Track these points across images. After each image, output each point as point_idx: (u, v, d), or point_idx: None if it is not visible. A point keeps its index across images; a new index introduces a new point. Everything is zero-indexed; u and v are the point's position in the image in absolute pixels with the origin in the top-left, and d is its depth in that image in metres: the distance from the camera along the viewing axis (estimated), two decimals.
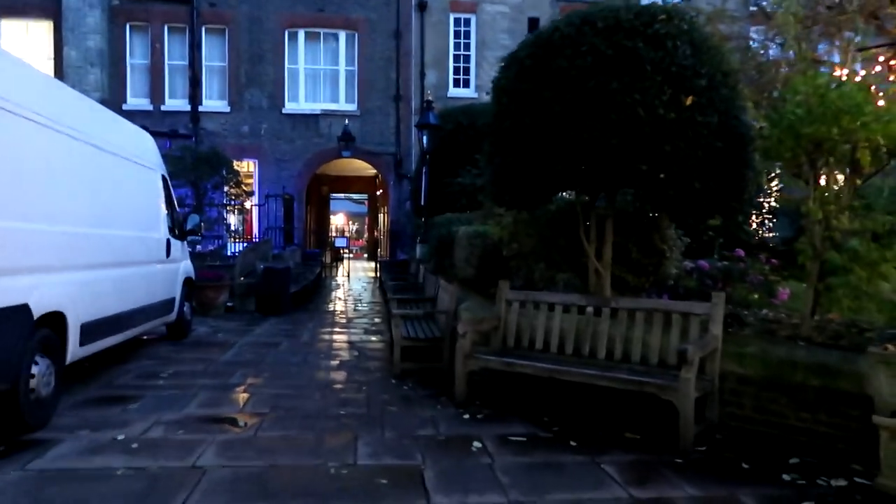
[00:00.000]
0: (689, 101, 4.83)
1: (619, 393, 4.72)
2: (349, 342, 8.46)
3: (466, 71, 19.59)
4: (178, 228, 8.19)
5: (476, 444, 4.29)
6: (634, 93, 4.75)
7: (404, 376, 6.30)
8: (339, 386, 5.99)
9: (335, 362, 7.11)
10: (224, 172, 13.95)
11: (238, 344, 8.09)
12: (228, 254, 15.35)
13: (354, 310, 12.21)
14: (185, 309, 8.34)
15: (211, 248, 14.79)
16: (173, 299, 7.83)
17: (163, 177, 7.82)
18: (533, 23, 19.28)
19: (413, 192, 15.14)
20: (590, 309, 5.20)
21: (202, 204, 14.11)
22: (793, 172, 5.21)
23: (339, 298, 14.27)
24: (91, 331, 5.27)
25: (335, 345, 8.28)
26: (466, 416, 4.96)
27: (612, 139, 4.78)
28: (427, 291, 9.04)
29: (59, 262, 4.83)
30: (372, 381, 6.22)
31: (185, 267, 8.42)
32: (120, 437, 4.30)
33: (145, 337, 8.10)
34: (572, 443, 4.34)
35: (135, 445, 4.15)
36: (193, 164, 13.74)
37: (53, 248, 4.77)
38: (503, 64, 5.68)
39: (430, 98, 12.62)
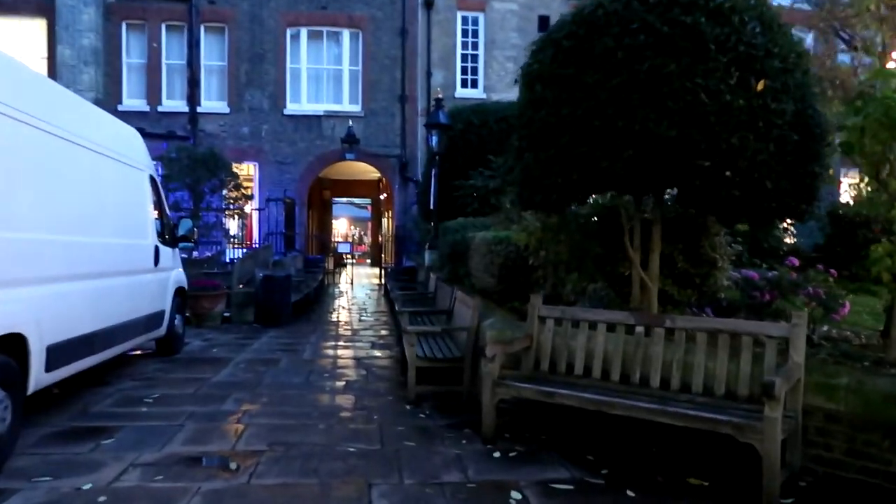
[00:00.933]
0: (760, 85, 4.13)
1: (677, 428, 3.99)
2: (355, 358, 7.73)
3: (475, 71, 18.91)
4: (168, 234, 7.47)
5: (515, 494, 3.56)
6: (696, 76, 4.04)
7: (420, 401, 5.56)
8: (346, 414, 5.26)
9: (341, 383, 6.38)
10: (223, 175, 13.22)
11: (234, 361, 7.36)
12: (227, 260, 14.65)
13: (359, 320, 11.48)
14: (176, 322, 7.62)
15: (208, 254, 14.09)
16: (162, 312, 7.10)
17: (151, 178, 7.09)
18: (543, 21, 18.62)
19: (421, 195, 14.42)
20: (639, 328, 4.47)
21: (199, 208, 13.40)
22: (874, 171, 4.48)
23: (343, 307, 13.54)
24: (60, 354, 4.54)
25: (340, 362, 7.55)
26: (497, 455, 4.22)
27: (670, 130, 4.07)
28: (439, 303, 8.31)
29: (19, 274, 4.09)
30: (383, 407, 5.49)
31: (177, 276, 7.69)
32: (86, 487, 3.57)
33: (133, 353, 7.39)
34: (630, 492, 3.60)
35: (102, 499, 3.42)
36: (190, 167, 13.05)
37: (11, 258, 4.04)
38: (535, 47, 4.97)
39: (439, 96, 11.92)
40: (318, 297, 14.88)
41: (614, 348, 4.52)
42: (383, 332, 9.93)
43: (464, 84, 18.79)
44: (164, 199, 7.72)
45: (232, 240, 14.74)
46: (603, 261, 5.70)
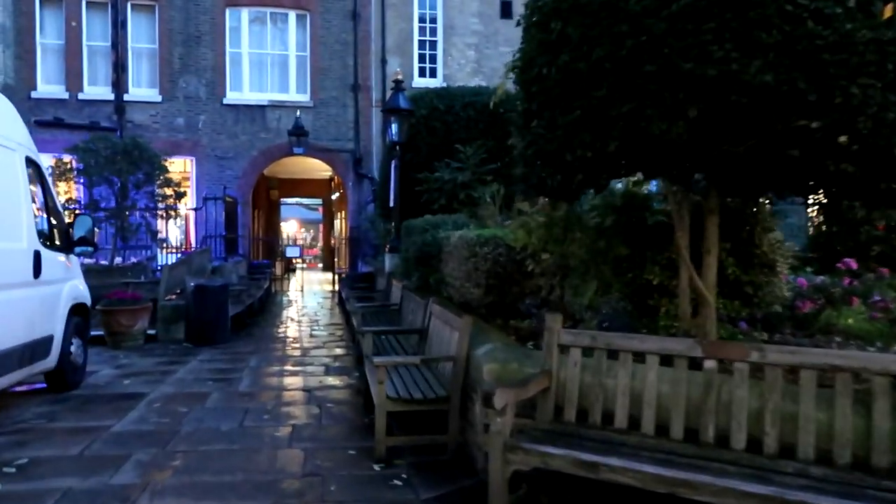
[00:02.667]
0: (888, 11, 2.86)
1: None
2: (305, 389, 6.23)
3: (433, 59, 17.53)
4: (60, 237, 5.85)
5: None
6: None
7: (391, 458, 4.13)
8: (291, 484, 3.78)
9: (285, 430, 4.88)
10: (148, 169, 11.46)
11: (148, 398, 5.78)
12: (158, 267, 12.89)
13: (311, 336, 9.93)
14: (73, 349, 5.99)
15: (135, 260, 12.30)
16: (50, 338, 5.47)
17: (31, 161, 5.44)
18: (506, 6, 17.39)
19: (379, 191, 12.93)
20: (709, 363, 3.13)
21: (125, 207, 11.62)
22: None
23: (292, 319, 11.94)
24: None
25: (286, 395, 6.04)
26: None
27: (763, 75, 2.77)
28: (406, 318, 6.87)
29: None
30: (343, 469, 4.03)
31: (73, 290, 6.04)
32: None
33: (16, 389, 5.75)
34: None
35: None
36: (110, 159, 11.25)
37: None
38: None
39: (399, 77, 10.47)
40: (264, 308, 13.24)
41: (673, 391, 3.18)
42: (338, 352, 8.42)
43: (422, 73, 17.38)
44: (54, 192, 6.07)
45: (163, 244, 12.95)
46: (625, 265, 4.40)
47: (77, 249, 6.06)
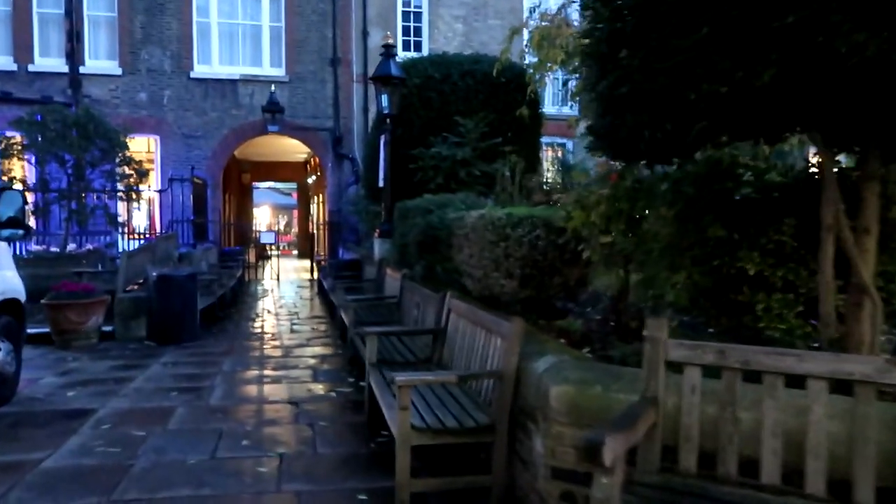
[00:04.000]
0: None
1: None
2: (291, 402, 5.13)
3: (418, 32, 16.35)
4: None
5: None
6: None
7: None
8: None
9: (272, 462, 3.80)
10: (104, 145, 10.17)
11: (95, 416, 4.64)
12: (118, 254, 11.60)
13: (291, 330, 8.81)
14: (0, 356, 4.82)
15: (90, 247, 11.00)
16: None
17: None
18: None
19: (366, 170, 11.79)
20: None
21: (79, 187, 10.31)
22: None
23: (269, 312, 10.77)
24: None
25: (269, 410, 4.93)
26: None
27: None
28: (411, 315, 5.79)
29: None
30: None
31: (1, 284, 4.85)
32: None
33: None
34: None
35: None
36: (61, 134, 9.93)
37: None
38: None
39: (390, 41, 9.31)
40: (237, 299, 12.05)
41: (853, 433, 2.17)
42: (325, 351, 7.32)
43: (406, 46, 16.15)
44: None
45: (122, 228, 11.64)
46: (708, 250, 3.40)
47: (4, 233, 4.85)
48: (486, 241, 4.74)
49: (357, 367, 6.18)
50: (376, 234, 9.51)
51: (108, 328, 7.98)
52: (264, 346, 7.60)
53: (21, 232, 4.95)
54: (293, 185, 28.52)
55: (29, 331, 7.76)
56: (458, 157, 8.85)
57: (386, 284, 7.72)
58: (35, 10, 14.16)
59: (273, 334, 8.50)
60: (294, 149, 18.87)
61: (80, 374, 6.04)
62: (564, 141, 15.33)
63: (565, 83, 9.42)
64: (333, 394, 5.37)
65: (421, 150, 9.05)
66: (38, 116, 9.94)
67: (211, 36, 15.07)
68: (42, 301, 7.51)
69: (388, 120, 9.25)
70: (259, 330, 8.92)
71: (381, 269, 8.42)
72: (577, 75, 8.46)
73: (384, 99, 9.21)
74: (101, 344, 7.62)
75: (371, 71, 15.17)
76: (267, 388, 5.59)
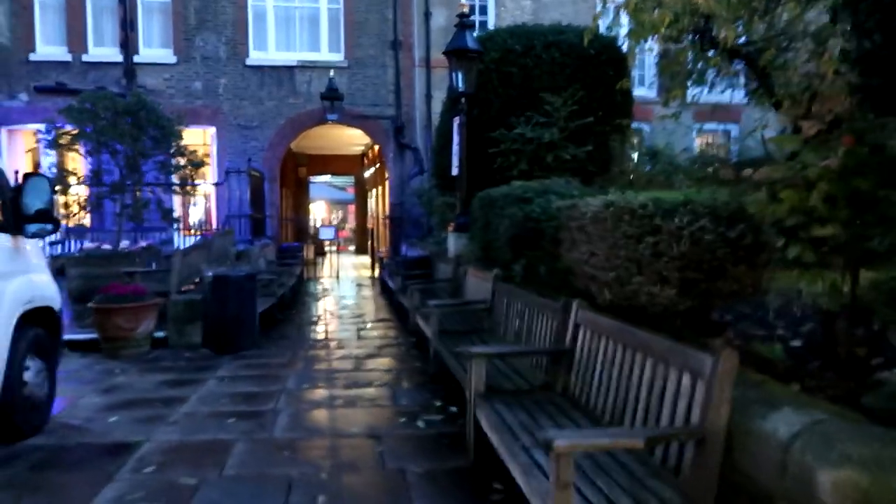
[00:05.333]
0: None
1: None
2: (373, 435, 4.18)
3: (483, 10, 15.29)
4: (4, 211, 3.86)
5: None
6: None
7: None
8: None
9: None
10: (157, 134, 9.47)
11: (137, 454, 3.78)
12: (174, 251, 10.95)
13: (358, 336, 7.91)
14: (27, 377, 4.00)
15: (144, 244, 10.36)
16: None
17: None
18: None
19: (436, 156, 10.80)
20: None
21: (135, 180, 9.65)
22: None
23: (332, 315, 9.91)
24: None
25: (344, 448, 3.98)
26: None
27: None
28: (510, 327, 4.76)
29: None
30: None
31: (24, 289, 4.01)
32: None
33: None
34: None
35: None
36: (112, 122, 9.27)
37: None
38: None
39: (465, 9, 8.24)
40: (297, 300, 11.27)
41: None
42: (400, 365, 6.35)
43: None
44: None
45: (177, 224, 10.97)
46: None
47: (31, 228, 4.05)
48: (620, 236, 3.67)
49: (442, 384, 5.21)
50: (450, 228, 8.53)
51: (160, 334, 7.22)
52: (331, 357, 6.70)
53: (50, 227, 4.13)
54: (348, 180, 27.87)
55: (79, 337, 7.15)
56: (545, 140, 7.77)
57: (467, 286, 6.71)
58: None
59: (339, 341, 7.60)
60: (351, 140, 18.09)
61: (126, 392, 5.24)
62: (642, 125, 14.07)
63: (664, 54, 8.26)
64: (421, 423, 4.39)
65: (501, 132, 8.01)
66: (89, 104, 9.28)
67: (267, 20, 14.36)
68: (89, 304, 6.82)
69: (462, 100, 8.22)
70: (323, 336, 8.04)
71: (457, 269, 7.42)
72: (687, 36, 7.28)
73: (459, 76, 8.19)
74: (153, 352, 6.87)
75: (434, 55, 14.27)
76: (340, 415, 4.65)
